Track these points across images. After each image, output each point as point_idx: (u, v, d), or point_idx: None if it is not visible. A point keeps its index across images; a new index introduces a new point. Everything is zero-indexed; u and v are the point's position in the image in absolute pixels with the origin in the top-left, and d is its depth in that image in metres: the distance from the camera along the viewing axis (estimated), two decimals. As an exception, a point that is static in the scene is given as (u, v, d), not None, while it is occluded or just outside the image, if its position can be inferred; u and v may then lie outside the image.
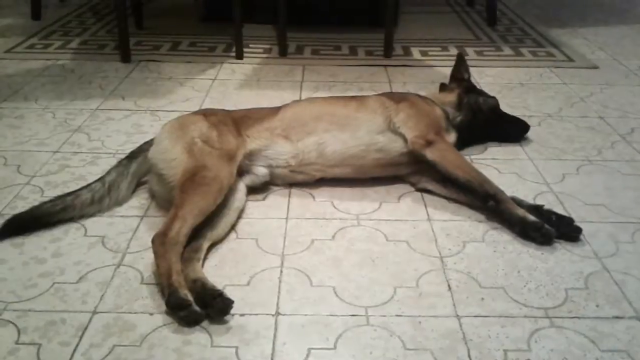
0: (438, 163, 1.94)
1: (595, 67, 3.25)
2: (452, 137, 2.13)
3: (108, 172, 1.92)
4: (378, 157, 2.02)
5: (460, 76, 2.40)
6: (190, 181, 1.73)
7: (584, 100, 2.82)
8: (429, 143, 1.98)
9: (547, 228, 1.75)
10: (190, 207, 1.66)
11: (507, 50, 3.51)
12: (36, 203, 1.91)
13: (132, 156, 1.97)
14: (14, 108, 2.65)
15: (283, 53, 3.38)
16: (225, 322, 1.46)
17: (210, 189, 1.72)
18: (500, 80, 3.06)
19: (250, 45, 3.49)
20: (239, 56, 3.32)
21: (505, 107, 2.72)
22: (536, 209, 1.83)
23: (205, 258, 1.67)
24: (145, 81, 2.99)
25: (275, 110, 2.11)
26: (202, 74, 3.10)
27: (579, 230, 1.78)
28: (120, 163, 1.96)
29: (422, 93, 2.36)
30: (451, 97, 2.30)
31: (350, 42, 3.57)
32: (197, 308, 1.45)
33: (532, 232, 1.75)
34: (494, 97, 2.39)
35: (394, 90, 2.87)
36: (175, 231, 1.60)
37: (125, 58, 3.23)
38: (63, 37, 3.62)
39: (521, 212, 1.79)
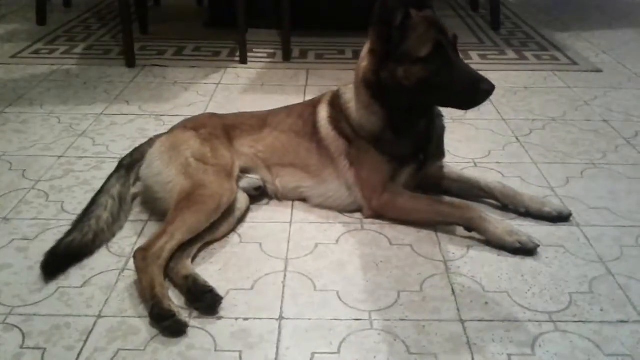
0: (397, 219, 1.88)
1: (599, 71, 3.25)
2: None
3: (112, 185, 1.85)
4: (357, 204, 1.95)
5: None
6: (185, 200, 1.71)
7: (588, 104, 2.81)
8: (378, 205, 1.88)
9: (524, 244, 1.71)
10: (180, 225, 1.65)
11: (511, 54, 3.51)
12: (41, 208, 1.93)
13: (128, 167, 1.92)
14: (19, 113, 2.66)
15: (287, 57, 3.39)
16: (215, 314, 1.49)
17: (204, 208, 1.70)
18: (504, 84, 3.06)
19: (254, 50, 3.50)
20: (243, 61, 3.33)
21: (509, 111, 2.73)
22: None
23: (196, 255, 1.69)
24: (150, 86, 3.01)
25: (262, 121, 2.06)
26: (206, 79, 3.11)
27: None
28: (119, 174, 1.89)
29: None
30: (347, 92, 1.97)
31: (354, 46, 3.57)
32: (181, 318, 1.45)
33: (511, 252, 1.73)
34: (428, 48, 1.72)
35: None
36: (159, 247, 1.59)
37: (130, 63, 3.25)
38: (68, 43, 3.64)
39: (499, 232, 1.73)
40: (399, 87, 1.77)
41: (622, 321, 1.48)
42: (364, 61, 1.87)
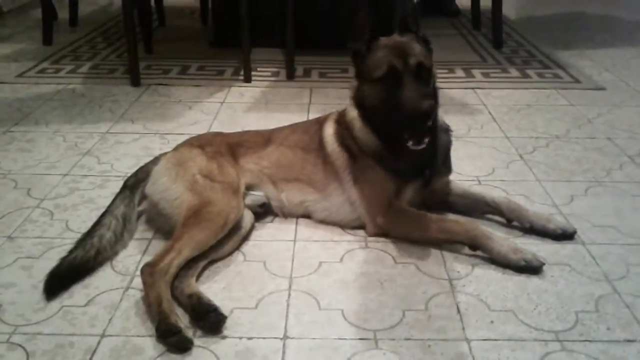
0: (400, 237, 1.87)
1: (602, 89, 3.25)
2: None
3: (116, 206, 1.86)
4: (360, 220, 1.95)
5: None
6: (193, 217, 1.71)
7: (591, 122, 2.82)
8: (382, 223, 1.87)
9: (529, 262, 1.71)
10: (188, 241, 1.65)
11: (514, 72, 3.53)
12: (46, 226, 1.93)
13: (132, 187, 1.93)
14: (25, 132, 2.68)
15: (291, 76, 3.41)
16: (219, 333, 1.48)
17: (212, 224, 1.71)
18: (507, 102, 3.06)
19: (258, 69, 3.52)
20: (247, 79, 3.35)
21: (512, 129, 2.74)
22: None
23: (200, 274, 1.69)
24: (155, 105, 3.02)
25: (266, 138, 2.07)
26: (210, 97, 3.12)
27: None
28: (123, 195, 1.90)
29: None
30: (351, 111, 1.95)
31: (358, 65, 3.59)
32: (187, 334, 1.45)
33: (516, 270, 1.71)
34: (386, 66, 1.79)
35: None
36: (167, 263, 1.59)
37: (135, 82, 3.27)
38: (74, 62, 3.67)
39: (504, 250, 1.73)
40: (366, 106, 1.86)
41: (629, 340, 1.47)
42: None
